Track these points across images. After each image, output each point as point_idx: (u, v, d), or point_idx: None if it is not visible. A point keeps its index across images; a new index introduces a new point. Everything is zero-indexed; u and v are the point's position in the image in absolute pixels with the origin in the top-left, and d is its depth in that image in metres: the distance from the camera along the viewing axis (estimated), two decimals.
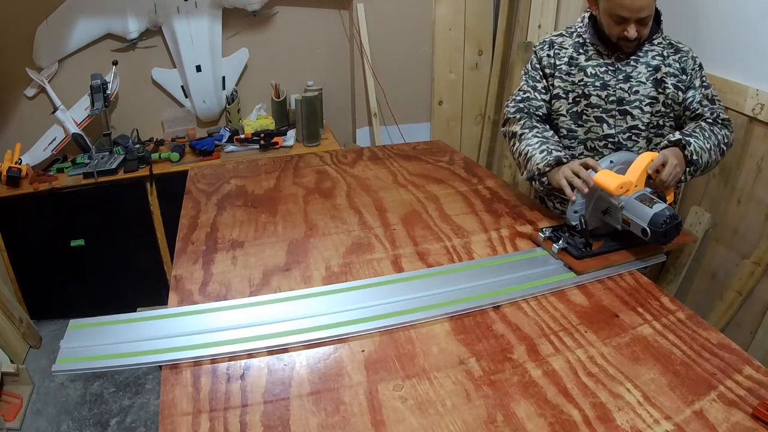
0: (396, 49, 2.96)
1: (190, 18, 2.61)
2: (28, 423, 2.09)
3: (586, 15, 1.54)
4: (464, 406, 0.86)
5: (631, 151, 1.45)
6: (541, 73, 1.59)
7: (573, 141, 1.57)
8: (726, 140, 1.45)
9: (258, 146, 2.70)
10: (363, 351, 0.99)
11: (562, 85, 1.54)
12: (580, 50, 1.53)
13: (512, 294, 1.13)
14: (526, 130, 1.54)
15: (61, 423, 2.10)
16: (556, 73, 1.55)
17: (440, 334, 1.03)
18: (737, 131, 1.91)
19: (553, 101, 1.58)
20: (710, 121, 1.46)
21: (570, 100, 1.54)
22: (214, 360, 0.97)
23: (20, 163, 2.48)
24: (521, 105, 1.60)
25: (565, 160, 1.40)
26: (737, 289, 1.93)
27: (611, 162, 1.31)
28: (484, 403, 0.86)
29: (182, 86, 2.81)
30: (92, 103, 2.48)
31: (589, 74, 1.50)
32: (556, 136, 1.54)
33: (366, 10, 2.83)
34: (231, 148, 2.69)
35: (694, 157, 1.33)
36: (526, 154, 1.49)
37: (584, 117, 1.53)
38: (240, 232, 1.44)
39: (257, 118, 2.86)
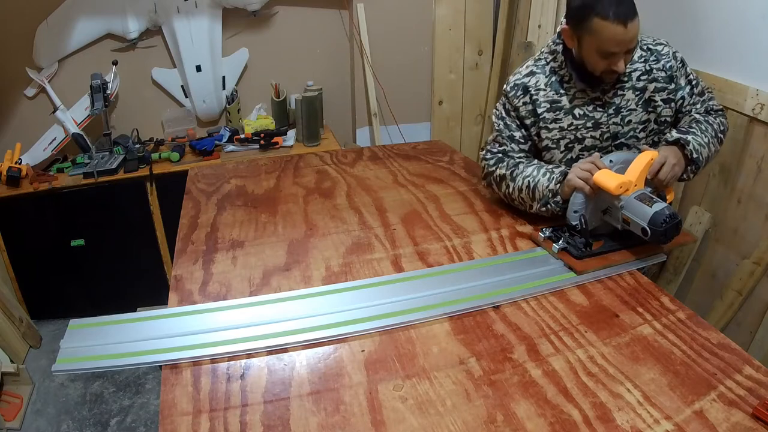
0: (396, 49, 2.96)
1: (190, 18, 2.61)
2: (28, 423, 2.09)
3: (557, 47, 1.40)
4: (464, 406, 0.86)
5: (631, 151, 1.41)
6: (518, 123, 1.46)
7: None
8: (722, 127, 1.41)
9: (258, 146, 2.70)
10: (363, 351, 0.99)
11: (549, 135, 1.42)
12: (561, 90, 1.40)
13: (512, 294, 1.13)
14: (515, 168, 1.42)
15: (61, 423, 2.10)
16: (540, 123, 1.42)
17: (440, 334, 1.03)
18: (737, 131, 1.91)
19: (543, 153, 1.46)
20: (702, 114, 1.42)
21: (562, 148, 1.43)
22: (214, 360, 0.97)
23: (20, 163, 2.48)
24: (500, 156, 1.48)
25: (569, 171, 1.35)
26: (737, 289, 1.93)
27: (611, 161, 1.29)
28: (484, 403, 0.86)
29: (182, 86, 2.81)
30: (92, 103, 2.48)
31: (577, 116, 1.39)
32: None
33: (366, 10, 2.83)
34: (231, 148, 2.69)
35: (695, 156, 1.30)
36: (528, 186, 1.38)
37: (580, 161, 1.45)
38: (240, 232, 1.44)
39: (257, 118, 2.86)
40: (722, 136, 1.41)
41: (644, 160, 1.23)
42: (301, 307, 1.10)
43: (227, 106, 2.87)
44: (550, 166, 1.39)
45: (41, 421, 2.11)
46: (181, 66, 2.72)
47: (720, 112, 1.45)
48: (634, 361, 0.94)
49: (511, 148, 1.47)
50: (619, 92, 1.38)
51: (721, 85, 1.95)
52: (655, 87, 1.37)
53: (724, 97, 1.94)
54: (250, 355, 0.98)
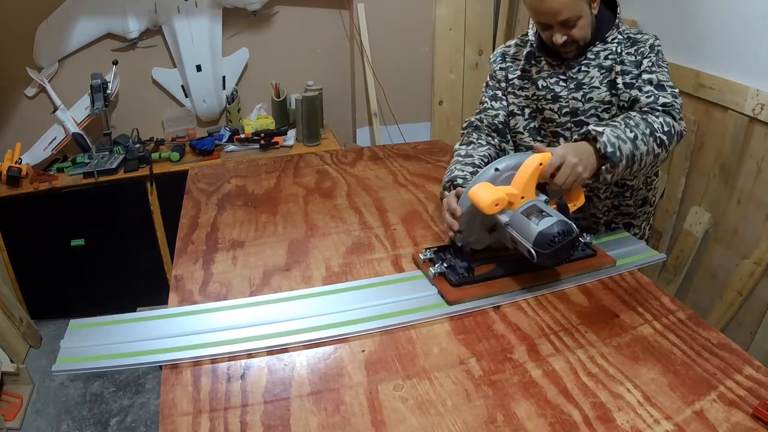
0: (396, 49, 2.96)
1: (191, 18, 2.62)
2: (28, 423, 2.09)
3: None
4: (464, 406, 0.86)
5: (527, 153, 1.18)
6: (497, 84, 1.49)
7: None
8: (666, 128, 1.20)
9: (258, 146, 2.70)
10: (363, 351, 0.99)
11: (515, 101, 1.45)
12: (532, 61, 1.41)
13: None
14: (461, 147, 1.45)
15: (61, 423, 2.10)
16: (509, 88, 1.46)
17: (440, 334, 1.03)
18: (737, 131, 1.91)
19: (509, 118, 1.48)
20: (645, 108, 1.25)
21: (526, 116, 1.45)
22: (215, 360, 0.97)
23: (20, 163, 2.49)
24: (474, 118, 1.51)
25: (459, 181, 1.30)
26: (737, 289, 1.93)
27: (496, 170, 1.11)
28: (484, 403, 0.86)
29: (182, 86, 2.81)
30: (92, 103, 2.49)
31: (540, 87, 1.39)
32: (489, 150, 1.42)
33: (366, 10, 2.83)
34: (231, 147, 2.69)
35: (609, 150, 1.11)
36: (447, 170, 1.40)
37: (542, 132, 1.44)
38: (240, 231, 1.44)
39: (257, 118, 2.86)
40: (664, 137, 1.19)
41: (532, 165, 1.07)
42: (301, 307, 1.10)
43: (227, 105, 2.88)
44: (461, 165, 1.35)
45: (41, 421, 2.11)
46: (181, 66, 2.72)
47: (670, 110, 1.24)
48: (634, 361, 0.94)
49: (491, 105, 1.49)
50: (584, 69, 1.33)
51: (721, 85, 1.95)
52: (622, 69, 1.30)
53: (724, 97, 1.95)
54: (250, 355, 0.98)
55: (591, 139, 1.14)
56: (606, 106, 1.34)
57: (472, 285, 1.12)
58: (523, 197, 1.08)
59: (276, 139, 2.71)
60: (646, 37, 1.32)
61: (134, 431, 2.07)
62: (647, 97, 1.25)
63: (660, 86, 1.27)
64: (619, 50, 1.31)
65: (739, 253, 1.96)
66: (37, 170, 2.54)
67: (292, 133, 2.81)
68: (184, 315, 1.08)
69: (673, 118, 1.24)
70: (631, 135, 1.15)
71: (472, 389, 0.89)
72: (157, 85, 2.81)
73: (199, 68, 2.72)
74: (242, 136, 2.72)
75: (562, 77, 1.36)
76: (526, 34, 1.46)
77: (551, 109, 1.39)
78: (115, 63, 2.58)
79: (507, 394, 0.88)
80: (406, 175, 1.80)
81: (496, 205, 1.05)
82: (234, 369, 0.95)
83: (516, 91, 1.45)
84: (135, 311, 1.16)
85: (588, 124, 1.32)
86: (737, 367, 0.92)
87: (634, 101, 1.28)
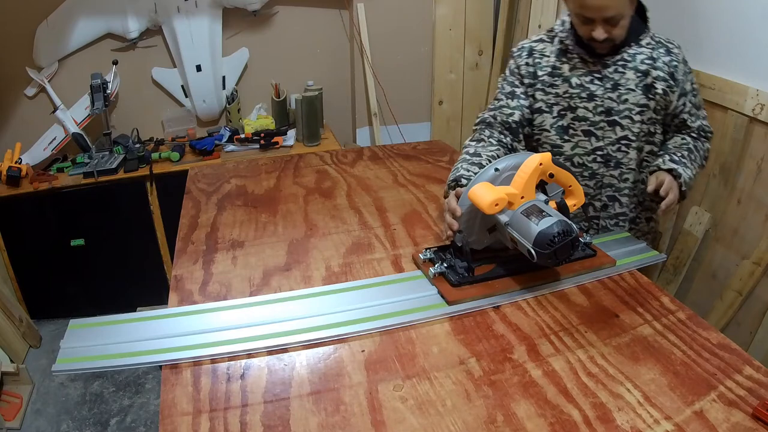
0: (396, 49, 2.96)
1: (191, 17, 2.62)
2: (28, 423, 2.09)
3: (567, 18, 1.41)
4: (464, 406, 0.86)
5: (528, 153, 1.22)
6: (519, 79, 1.46)
7: (558, 157, 1.45)
8: (707, 154, 1.46)
9: (258, 146, 2.70)
10: (363, 351, 0.99)
11: (544, 98, 1.43)
12: (563, 58, 1.40)
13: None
14: (470, 144, 1.43)
15: (61, 423, 2.10)
16: (538, 85, 1.43)
17: (440, 334, 1.03)
18: (737, 131, 1.91)
19: (535, 115, 1.46)
20: (695, 135, 1.43)
21: (555, 114, 1.43)
22: (214, 360, 0.97)
23: (20, 163, 2.49)
24: (488, 115, 1.48)
25: (464, 181, 1.27)
26: (737, 289, 1.93)
27: (496, 170, 1.12)
28: (484, 403, 0.86)
29: (182, 86, 2.81)
30: (92, 103, 2.49)
31: (574, 85, 1.39)
32: (499, 151, 1.39)
33: (366, 10, 2.83)
34: (231, 147, 2.69)
35: (683, 189, 1.31)
36: (454, 168, 1.38)
37: (571, 131, 1.43)
38: (240, 231, 1.44)
39: (257, 118, 2.86)
40: (705, 162, 1.46)
41: (532, 165, 1.07)
42: (301, 307, 1.10)
43: (227, 105, 2.88)
44: (468, 164, 1.34)
45: (41, 420, 2.11)
46: (181, 66, 2.72)
47: (710, 135, 1.47)
48: (634, 361, 0.94)
49: (507, 103, 1.46)
50: (620, 69, 1.36)
51: (721, 85, 1.95)
52: (658, 75, 1.35)
53: (724, 97, 1.95)
54: (250, 355, 0.98)
55: (667, 170, 1.32)
56: (641, 108, 1.38)
57: (472, 285, 1.12)
58: (523, 197, 1.08)
59: (276, 139, 2.71)
60: (677, 50, 1.39)
61: (134, 431, 2.07)
62: (693, 122, 1.43)
63: (698, 106, 1.44)
64: (654, 55, 1.36)
65: (739, 253, 1.96)
66: (37, 170, 2.54)
67: (292, 133, 2.81)
68: (184, 315, 1.08)
69: (709, 141, 1.47)
70: (695, 172, 1.37)
71: (472, 389, 0.89)
72: (157, 85, 2.81)
73: (199, 68, 2.72)
74: (242, 136, 2.72)
75: (597, 75, 1.37)
76: (552, 30, 1.46)
77: (585, 108, 1.39)
78: (115, 63, 2.58)
79: (507, 394, 0.88)
80: (406, 175, 1.80)
81: (496, 205, 1.05)
82: (234, 369, 0.95)
83: (546, 88, 1.42)
84: (135, 311, 1.16)
85: (621, 124, 1.38)
86: (737, 367, 0.92)
87: (683, 123, 1.43)
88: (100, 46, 2.64)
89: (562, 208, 1.15)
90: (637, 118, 1.38)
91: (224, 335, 1.02)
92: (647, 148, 1.43)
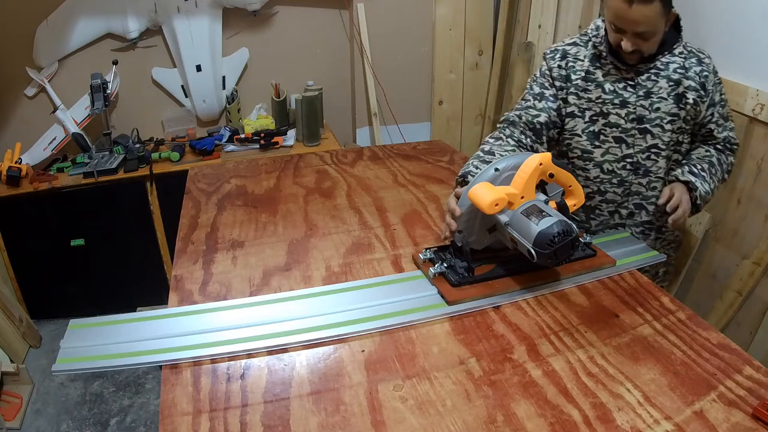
0: (396, 49, 2.96)
1: (191, 17, 2.61)
2: (28, 423, 2.09)
3: (602, 24, 1.40)
4: (464, 406, 0.86)
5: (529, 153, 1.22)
6: (550, 81, 1.45)
7: (588, 162, 1.46)
8: (730, 168, 1.46)
9: (258, 146, 2.70)
10: (363, 351, 0.99)
11: (577, 102, 1.42)
12: (597, 63, 1.40)
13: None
14: (488, 141, 1.42)
15: (61, 423, 2.10)
16: (571, 89, 1.42)
17: (440, 334, 1.03)
18: (737, 132, 1.91)
19: (567, 120, 1.45)
20: (720, 147, 1.44)
21: (587, 119, 1.42)
22: (214, 360, 0.97)
23: (20, 163, 2.49)
24: (513, 114, 1.47)
25: (471, 178, 1.24)
26: (737, 289, 1.93)
27: (496, 170, 1.12)
28: (484, 403, 0.86)
29: (182, 86, 2.81)
30: (92, 103, 2.48)
31: (607, 91, 1.39)
32: (514, 150, 1.38)
33: (366, 10, 2.83)
34: (231, 147, 2.69)
35: (698, 202, 1.33)
36: (466, 163, 1.39)
37: (602, 137, 1.42)
38: (240, 231, 1.44)
39: (257, 118, 2.86)
40: (727, 175, 1.46)
41: (532, 165, 1.07)
42: (301, 307, 1.10)
43: (227, 105, 2.88)
44: (479, 161, 1.33)
45: (41, 420, 2.11)
46: (181, 66, 2.72)
47: (735, 147, 1.47)
48: (634, 361, 0.94)
49: (534, 104, 1.45)
50: (653, 77, 1.37)
51: None
52: (689, 85, 1.36)
53: None
54: (250, 355, 0.98)
55: (683, 182, 1.35)
56: (672, 117, 1.38)
57: (472, 285, 1.12)
58: (523, 197, 1.08)
59: (276, 139, 2.71)
60: (708, 60, 1.39)
61: (134, 431, 2.07)
62: (723, 136, 1.45)
63: (726, 118, 1.45)
64: (686, 65, 1.37)
65: (739, 253, 1.96)
66: (37, 170, 2.54)
67: (292, 133, 2.81)
68: (184, 315, 1.08)
69: (734, 154, 1.48)
70: (712, 186, 1.38)
71: (472, 389, 0.89)
72: (157, 85, 2.81)
73: (199, 68, 2.71)
74: (242, 136, 2.72)
75: (630, 83, 1.37)
76: (585, 33, 1.45)
77: (618, 114, 1.39)
78: (115, 63, 2.58)
79: (507, 394, 0.88)
80: (406, 175, 1.80)
81: (496, 205, 1.05)
82: (234, 369, 0.95)
83: (579, 92, 1.42)
84: (135, 311, 1.16)
85: (652, 133, 1.39)
86: (737, 367, 0.92)
87: (709, 133, 1.44)
88: (100, 46, 2.64)
89: (562, 208, 1.15)
90: (667, 127, 1.39)
91: (224, 335, 1.02)
92: (674, 156, 1.44)
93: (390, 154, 2.01)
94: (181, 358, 0.96)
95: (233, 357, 0.97)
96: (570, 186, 1.16)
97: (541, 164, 1.07)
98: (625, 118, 1.39)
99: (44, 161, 2.62)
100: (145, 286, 2.67)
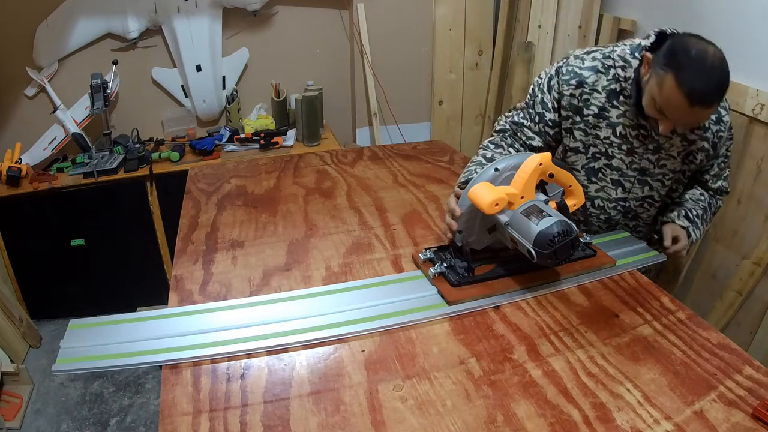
0: (396, 49, 2.96)
1: (191, 18, 2.61)
2: (28, 423, 2.09)
3: (632, 60, 1.23)
4: (464, 406, 0.86)
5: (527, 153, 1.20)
6: (555, 105, 1.35)
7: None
8: (717, 211, 1.48)
9: (258, 146, 2.70)
10: (363, 351, 0.99)
11: (583, 138, 1.34)
12: (614, 102, 1.28)
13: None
14: (489, 146, 1.40)
15: (61, 423, 2.10)
16: (581, 124, 1.33)
17: (440, 334, 1.03)
18: (737, 131, 1.91)
19: (568, 153, 1.39)
20: (711, 192, 1.44)
21: (589, 155, 1.36)
22: (214, 360, 0.97)
23: (20, 163, 2.48)
24: (511, 128, 1.42)
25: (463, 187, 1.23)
26: (737, 289, 1.93)
27: (496, 170, 1.11)
28: (484, 403, 0.86)
29: (182, 86, 2.81)
30: (92, 103, 2.48)
31: (617, 134, 1.30)
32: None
33: (366, 10, 2.83)
34: (231, 147, 2.69)
35: (691, 245, 1.39)
36: (466, 169, 1.37)
37: (600, 175, 1.37)
38: (240, 231, 1.44)
39: (257, 118, 2.86)
40: (713, 217, 1.49)
41: (532, 165, 1.06)
42: (301, 307, 1.10)
43: (227, 105, 2.87)
44: (478, 166, 1.32)
45: (41, 420, 2.11)
46: (181, 66, 2.72)
47: (726, 193, 1.47)
48: (634, 361, 0.94)
49: (530, 126, 1.38)
50: (668, 134, 1.24)
51: None
52: (702, 146, 1.30)
53: None
54: (250, 355, 0.98)
55: (680, 226, 1.37)
56: (674, 175, 1.36)
57: (472, 285, 1.12)
58: (522, 197, 1.08)
59: (276, 139, 2.71)
60: (727, 117, 1.30)
61: (134, 431, 2.07)
62: (714, 183, 1.43)
63: (726, 167, 1.42)
64: (706, 124, 1.28)
65: (739, 253, 1.96)
66: (37, 170, 2.54)
67: (292, 133, 2.81)
68: (184, 315, 1.09)
69: (723, 200, 1.49)
70: (702, 233, 1.40)
71: (472, 389, 0.89)
72: (157, 85, 2.81)
73: (199, 68, 2.71)
74: (242, 136, 2.72)
75: (643, 132, 1.29)
76: (608, 57, 1.28)
77: (621, 160, 1.34)
78: (115, 63, 2.58)
79: (507, 394, 0.88)
80: (406, 175, 1.80)
81: (496, 205, 1.05)
82: (234, 369, 0.95)
83: (588, 129, 1.33)
84: (135, 311, 1.16)
85: (651, 185, 1.37)
86: (737, 367, 0.92)
87: (704, 182, 1.43)
88: (100, 46, 2.64)
89: (562, 208, 1.15)
90: (668, 182, 1.37)
91: (224, 335, 1.02)
92: (666, 200, 1.44)
93: (390, 154, 2.01)
94: (181, 358, 0.96)
95: (233, 357, 0.97)
96: (570, 186, 1.17)
97: (541, 164, 1.08)
98: (628, 165, 1.34)
99: (44, 161, 2.62)
100: (145, 286, 2.67)
